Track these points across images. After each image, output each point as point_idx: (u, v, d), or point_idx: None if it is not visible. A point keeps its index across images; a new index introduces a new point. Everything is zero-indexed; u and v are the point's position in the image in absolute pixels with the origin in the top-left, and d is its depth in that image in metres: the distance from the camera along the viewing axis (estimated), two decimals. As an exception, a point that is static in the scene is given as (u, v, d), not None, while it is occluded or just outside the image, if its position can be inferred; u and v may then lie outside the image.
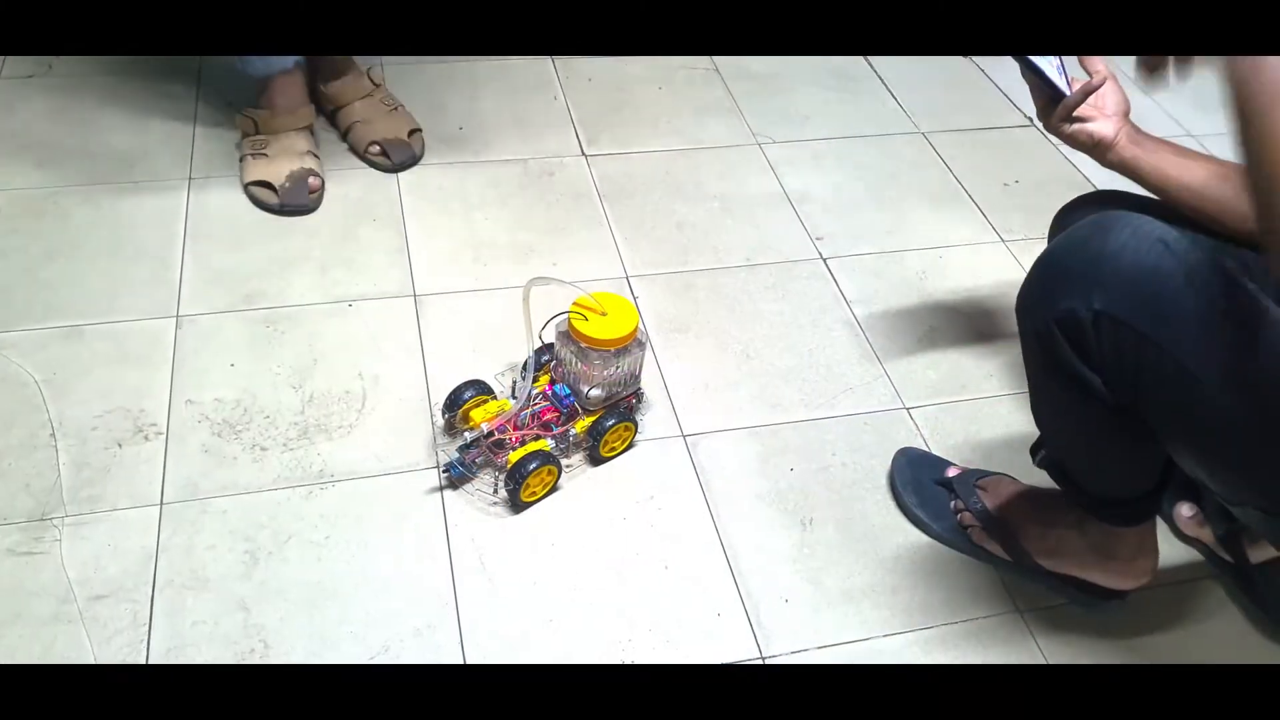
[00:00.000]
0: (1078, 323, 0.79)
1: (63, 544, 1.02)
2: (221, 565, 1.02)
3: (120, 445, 1.11)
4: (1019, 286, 0.87)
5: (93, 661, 0.93)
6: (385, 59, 1.68)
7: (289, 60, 1.47)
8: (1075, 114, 0.98)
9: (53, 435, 1.11)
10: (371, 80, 1.57)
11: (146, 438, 1.12)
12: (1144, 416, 0.82)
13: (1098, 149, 0.98)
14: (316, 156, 1.49)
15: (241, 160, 1.47)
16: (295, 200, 1.42)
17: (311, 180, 1.44)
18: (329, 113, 1.57)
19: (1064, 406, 0.88)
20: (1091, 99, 0.97)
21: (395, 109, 1.56)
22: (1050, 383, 0.87)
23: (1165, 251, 0.76)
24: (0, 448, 1.09)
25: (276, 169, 1.43)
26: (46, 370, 1.17)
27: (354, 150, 1.54)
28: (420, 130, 1.56)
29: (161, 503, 1.06)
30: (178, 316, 1.26)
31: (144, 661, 0.94)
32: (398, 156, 1.51)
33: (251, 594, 1.00)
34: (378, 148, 1.51)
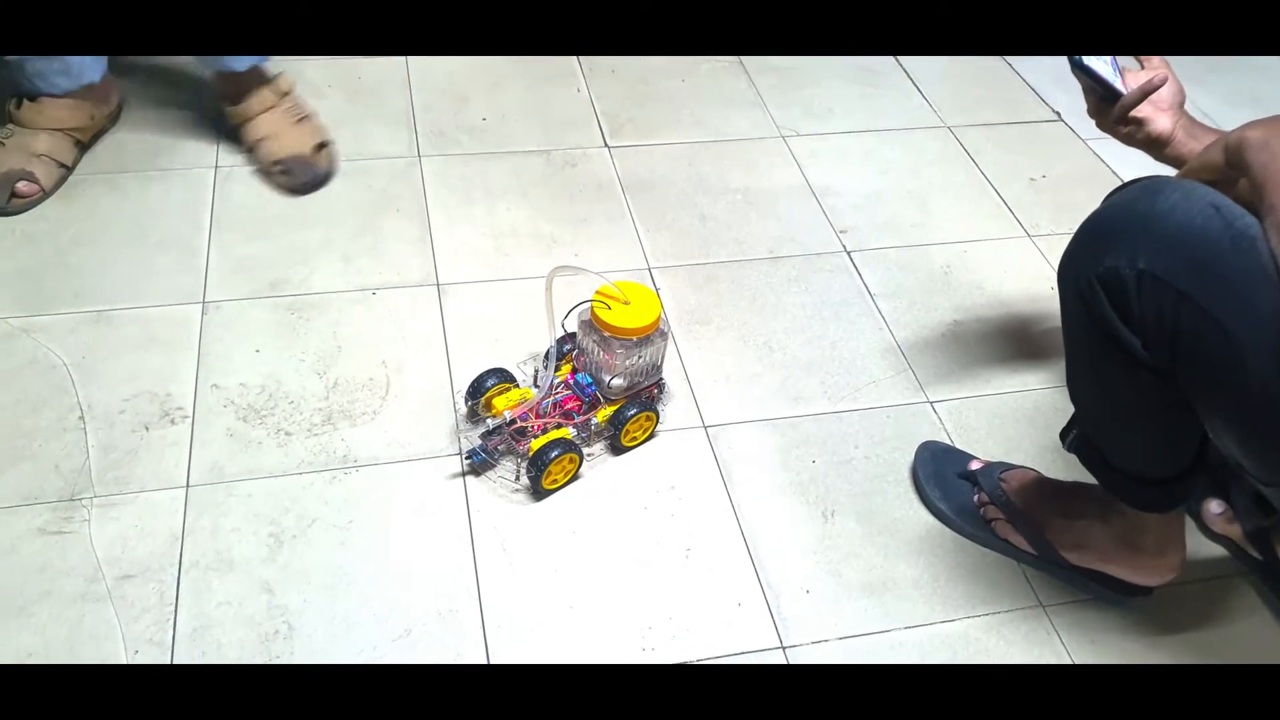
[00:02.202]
0: (1120, 281, 0.78)
1: (91, 524, 1.03)
2: (246, 547, 1.02)
3: (147, 428, 1.12)
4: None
5: (121, 640, 0.94)
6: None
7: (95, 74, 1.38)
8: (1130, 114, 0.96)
9: (81, 418, 1.12)
10: (278, 88, 1.44)
11: (173, 421, 1.13)
12: (1181, 383, 0.80)
13: (1154, 146, 0.97)
14: (64, 167, 1.38)
15: None
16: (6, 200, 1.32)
17: (22, 185, 1.33)
18: (233, 128, 1.45)
19: (1101, 372, 0.87)
20: None
21: (302, 119, 1.44)
22: (1089, 346, 0.86)
23: (1215, 215, 0.75)
24: (30, 429, 1.10)
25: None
26: (75, 354, 1.19)
27: (258, 166, 1.42)
28: (329, 144, 1.44)
29: (187, 485, 1.07)
30: (203, 303, 1.27)
31: (170, 640, 0.95)
32: (301, 175, 1.40)
33: (275, 576, 1.00)
34: (280, 167, 1.40)
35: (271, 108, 1.44)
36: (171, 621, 0.96)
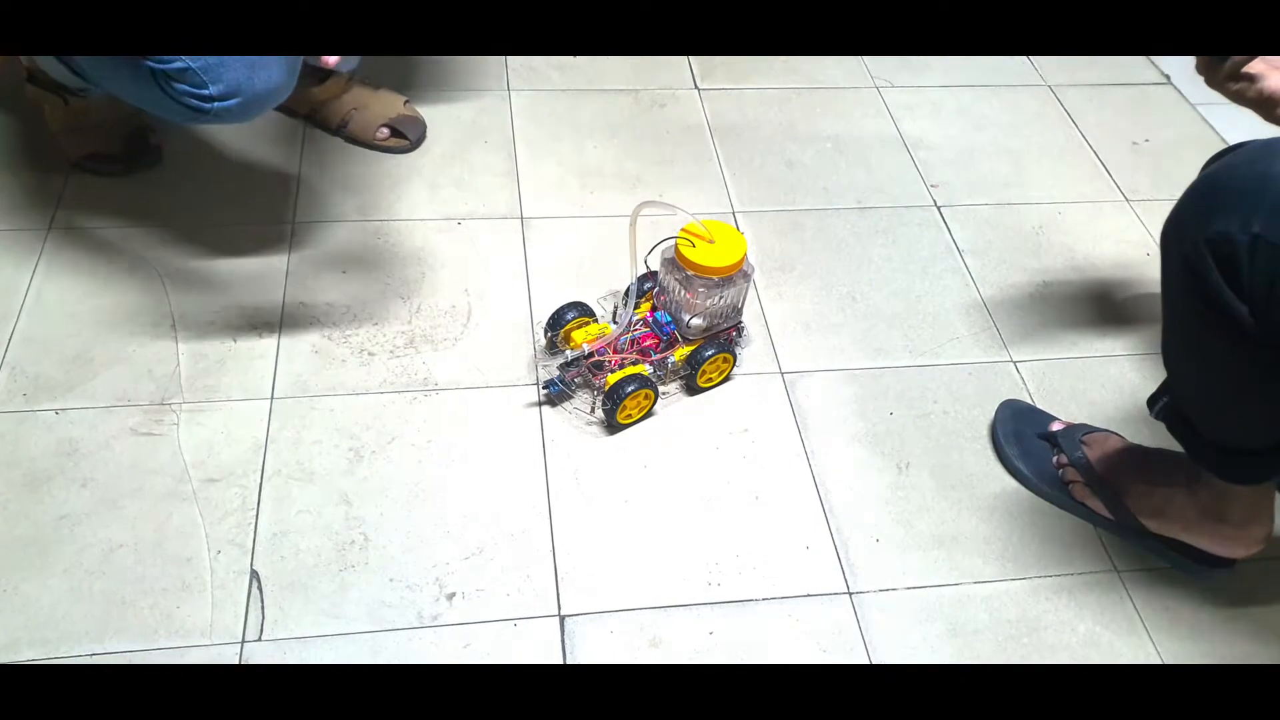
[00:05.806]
0: (1232, 246, 0.75)
1: (180, 428, 1.06)
2: (327, 460, 1.05)
3: (235, 340, 1.15)
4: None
5: (205, 539, 0.98)
6: None
7: None
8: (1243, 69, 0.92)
9: (173, 326, 1.16)
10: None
11: (260, 335, 1.16)
12: None
13: (1265, 105, 0.92)
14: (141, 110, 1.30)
15: (56, 137, 1.31)
16: (144, 156, 1.33)
17: (152, 138, 1.34)
18: (305, 114, 1.43)
19: (1201, 340, 0.84)
20: None
21: (378, 88, 1.44)
22: (1190, 313, 0.83)
23: None
24: (126, 333, 1.14)
25: (108, 136, 1.31)
26: (170, 264, 1.22)
27: (359, 141, 1.41)
28: (410, 99, 1.45)
29: (272, 397, 1.10)
30: (294, 223, 1.30)
31: (251, 543, 0.98)
32: (414, 132, 1.41)
33: (354, 489, 1.03)
34: (387, 130, 1.40)
35: (349, 83, 1.42)
36: (253, 525, 0.99)
